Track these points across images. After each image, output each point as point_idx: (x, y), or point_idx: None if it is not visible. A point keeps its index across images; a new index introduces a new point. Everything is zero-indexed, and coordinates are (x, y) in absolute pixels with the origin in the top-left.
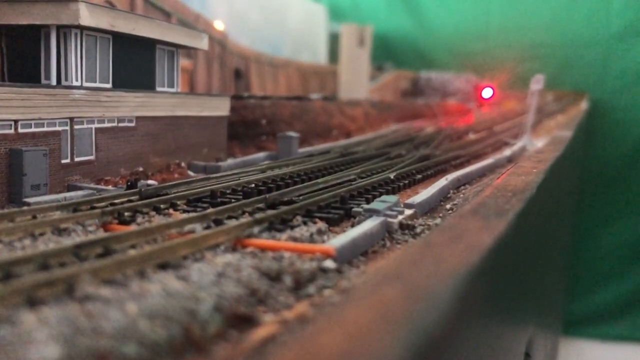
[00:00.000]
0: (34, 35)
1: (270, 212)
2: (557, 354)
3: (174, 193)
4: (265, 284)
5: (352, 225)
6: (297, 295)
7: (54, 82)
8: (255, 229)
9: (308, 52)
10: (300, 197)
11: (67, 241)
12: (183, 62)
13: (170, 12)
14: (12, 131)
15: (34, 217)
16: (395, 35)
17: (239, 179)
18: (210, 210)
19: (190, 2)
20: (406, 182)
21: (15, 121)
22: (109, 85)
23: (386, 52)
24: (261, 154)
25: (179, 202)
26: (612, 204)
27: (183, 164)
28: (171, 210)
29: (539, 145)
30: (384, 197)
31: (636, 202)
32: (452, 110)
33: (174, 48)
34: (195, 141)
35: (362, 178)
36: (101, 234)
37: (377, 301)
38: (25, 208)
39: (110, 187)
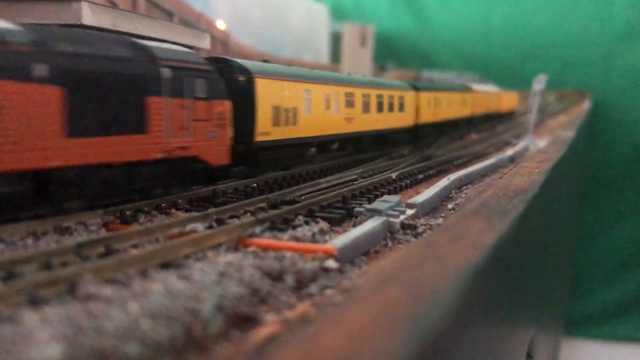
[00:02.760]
0: None
1: (272, 211)
2: (558, 354)
3: (177, 193)
4: (267, 283)
5: (354, 225)
6: (299, 295)
7: None
8: (257, 229)
9: (310, 51)
10: (302, 197)
11: (69, 240)
12: None
13: (173, 12)
14: None
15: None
16: (398, 35)
17: (241, 179)
18: (212, 209)
19: (193, 2)
20: (408, 181)
21: None
22: None
23: (388, 52)
24: None
25: (180, 202)
26: (614, 204)
27: None
28: (173, 210)
29: (541, 145)
30: (385, 197)
31: (638, 202)
32: None
33: None
34: None
35: (364, 178)
36: (103, 233)
37: (379, 301)
38: None
39: None
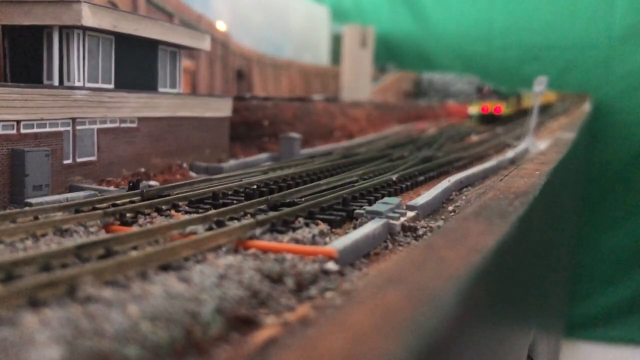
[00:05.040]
0: (36, 35)
1: (272, 213)
2: (559, 357)
3: (176, 194)
4: (267, 285)
5: (355, 227)
6: (299, 297)
7: (56, 82)
8: (257, 231)
9: (310, 53)
10: (303, 199)
11: (69, 242)
12: (185, 62)
13: (173, 13)
14: (14, 132)
15: (36, 217)
16: (398, 36)
17: (241, 180)
18: (212, 211)
19: (193, 3)
20: (408, 183)
21: (18, 122)
22: (111, 86)
23: (389, 53)
24: (263, 155)
25: (180, 203)
26: (615, 206)
27: (185, 165)
28: (173, 212)
29: (542, 147)
30: (386, 199)
31: (639, 204)
32: (454, 112)
33: (176, 49)
34: (197, 142)
35: (365, 180)
36: (103, 235)
37: (380, 304)
38: (27, 209)
39: (112, 188)
